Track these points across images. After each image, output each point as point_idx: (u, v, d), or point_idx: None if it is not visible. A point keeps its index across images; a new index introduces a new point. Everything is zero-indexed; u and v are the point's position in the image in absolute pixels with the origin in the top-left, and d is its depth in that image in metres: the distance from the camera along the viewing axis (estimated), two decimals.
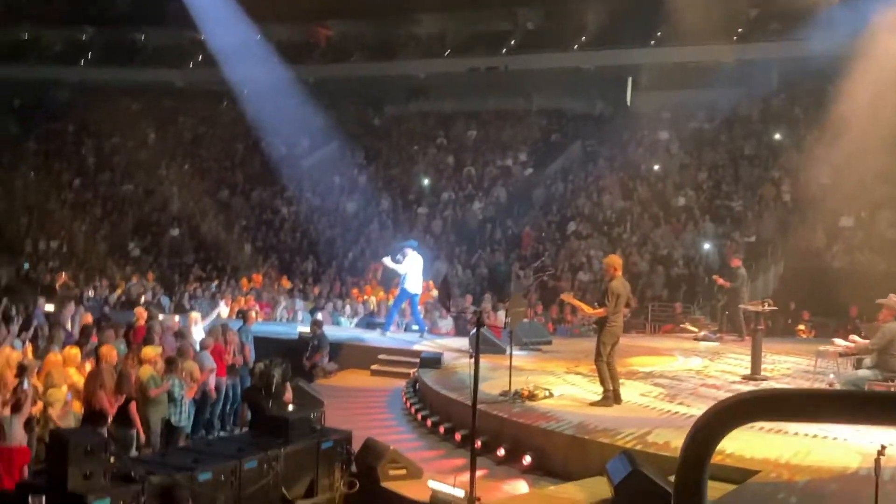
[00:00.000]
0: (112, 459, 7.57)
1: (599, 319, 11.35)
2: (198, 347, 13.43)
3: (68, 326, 15.58)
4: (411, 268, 17.64)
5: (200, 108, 35.04)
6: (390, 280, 21.51)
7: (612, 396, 11.29)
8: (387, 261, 18.26)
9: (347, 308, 21.37)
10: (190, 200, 29.93)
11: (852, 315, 18.30)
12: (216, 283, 24.32)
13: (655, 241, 23.63)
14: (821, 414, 1.68)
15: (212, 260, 27.42)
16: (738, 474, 8.11)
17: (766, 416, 1.56)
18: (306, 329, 17.69)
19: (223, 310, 18.48)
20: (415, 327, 18.37)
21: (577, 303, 13.01)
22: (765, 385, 12.65)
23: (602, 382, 11.34)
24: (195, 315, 16.05)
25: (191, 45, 35.73)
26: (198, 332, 14.65)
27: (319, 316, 18.76)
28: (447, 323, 19.49)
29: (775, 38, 27.82)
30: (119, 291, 23.00)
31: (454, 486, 8.58)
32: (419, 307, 18.65)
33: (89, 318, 15.67)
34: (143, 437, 11.03)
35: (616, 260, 11.83)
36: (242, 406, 13.55)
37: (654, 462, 8.27)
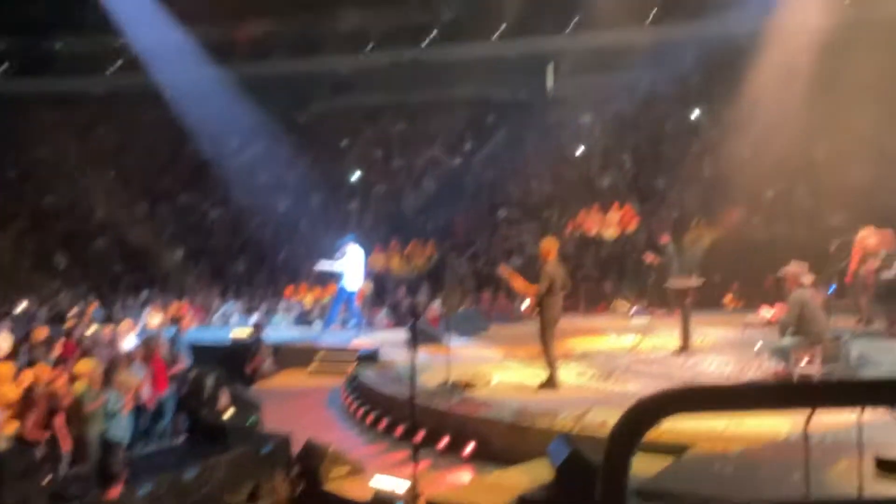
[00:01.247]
0: (48, 480, 7.47)
1: (540, 304, 11.47)
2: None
3: None
4: (350, 264, 17.58)
5: (122, 115, 34.35)
6: (326, 278, 21.45)
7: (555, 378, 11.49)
8: (323, 263, 18.18)
9: (282, 308, 21.24)
10: (115, 209, 29.38)
11: (766, 286, 18.40)
12: (146, 291, 23.96)
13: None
14: (736, 405, 1.73)
15: (141, 268, 26.97)
16: (673, 449, 8.29)
17: (682, 410, 1.62)
18: (242, 333, 17.54)
19: (152, 318, 18.23)
20: (352, 322, 18.37)
21: (513, 276, 12.88)
22: (695, 358, 12.96)
23: (549, 365, 11.52)
24: (126, 325, 15.82)
25: (109, 50, 35.04)
26: (130, 343, 14.44)
27: (256, 318, 18.61)
28: (384, 316, 19.51)
29: (689, 18, 28.27)
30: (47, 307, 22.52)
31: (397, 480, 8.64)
32: (356, 303, 18.64)
33: (44, 332, 15.16)
34: (64, 453, 10.83)
35: (549, 243, 12.00)
36: (178, 415, 13.39)
37: (591, 443, 8.41)
